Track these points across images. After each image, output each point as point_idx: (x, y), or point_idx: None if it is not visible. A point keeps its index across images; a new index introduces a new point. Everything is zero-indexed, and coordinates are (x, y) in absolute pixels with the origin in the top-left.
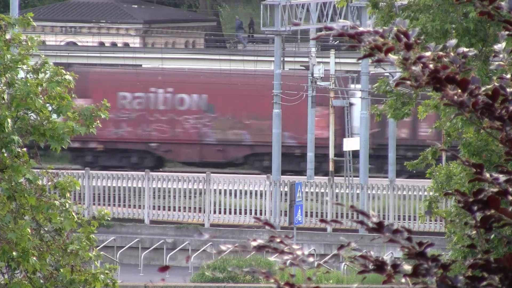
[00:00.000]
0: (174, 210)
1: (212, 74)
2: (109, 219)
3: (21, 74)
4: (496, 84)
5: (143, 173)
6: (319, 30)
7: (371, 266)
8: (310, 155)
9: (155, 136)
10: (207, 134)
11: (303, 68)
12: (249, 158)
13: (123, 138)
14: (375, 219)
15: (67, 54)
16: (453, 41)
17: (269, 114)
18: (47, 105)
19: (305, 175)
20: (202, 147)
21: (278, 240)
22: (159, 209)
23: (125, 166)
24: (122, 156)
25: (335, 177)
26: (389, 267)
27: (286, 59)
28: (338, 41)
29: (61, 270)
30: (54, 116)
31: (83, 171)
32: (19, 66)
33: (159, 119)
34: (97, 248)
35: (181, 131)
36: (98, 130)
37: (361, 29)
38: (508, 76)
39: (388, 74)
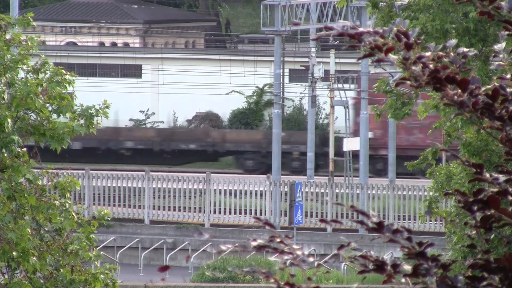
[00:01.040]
0: (174, 210)
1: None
2: (109, 219)
3: (21, 74)
4: (496, 84)
5: (143, 173)
6: (319, 30)
7: (371, 266)
8: (310, 155)
9: None
10: None
11: (303, 68)
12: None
13: (416, 145)
14: (375, 219)
15: (67, 54)
16: (453, 41)
17: None
18: (47, 105)
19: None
20: None
21: (278, 240)
22: (159, 209)
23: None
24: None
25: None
26: (389, 267)
27: (286, 59)
28: (338, 41)
29: (61, 270)
30: (54, 116)
31: (83, 171)
32: (19, 66)
33: None
34: (97, 248)
35: None
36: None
37: (361, 29)
38: (508, 76)
39: (389, 74)
